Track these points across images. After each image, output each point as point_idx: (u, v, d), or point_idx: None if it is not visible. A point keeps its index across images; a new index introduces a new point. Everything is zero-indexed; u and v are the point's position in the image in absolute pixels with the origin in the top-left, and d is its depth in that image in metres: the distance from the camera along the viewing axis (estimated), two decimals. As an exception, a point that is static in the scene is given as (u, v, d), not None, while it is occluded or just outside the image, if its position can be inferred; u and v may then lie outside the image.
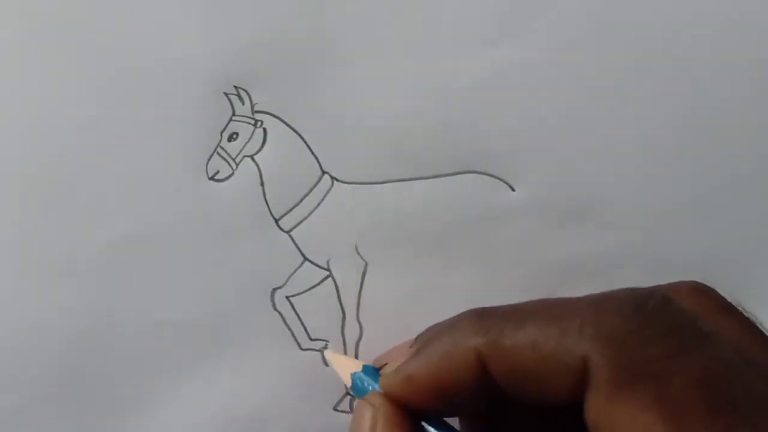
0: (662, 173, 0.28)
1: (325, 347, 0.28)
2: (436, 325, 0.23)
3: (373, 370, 0.24)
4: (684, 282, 0.22)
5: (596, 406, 0.18)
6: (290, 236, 0.28)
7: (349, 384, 0.25)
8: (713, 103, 0.28)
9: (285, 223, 0.28)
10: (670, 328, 0.19)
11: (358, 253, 0.28)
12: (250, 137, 0.29)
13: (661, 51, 0.27)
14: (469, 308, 0.26)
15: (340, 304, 0.28)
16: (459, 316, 0.22)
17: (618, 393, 0.18)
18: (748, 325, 0.20)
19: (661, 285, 0.21)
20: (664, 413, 0.17)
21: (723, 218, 0.28)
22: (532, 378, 0.19)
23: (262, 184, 0.29)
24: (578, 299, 0.20)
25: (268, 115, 0.29)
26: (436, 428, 0.22)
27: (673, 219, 0.28)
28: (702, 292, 0.21)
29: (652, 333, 0.18)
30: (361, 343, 0.28)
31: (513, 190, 0.28)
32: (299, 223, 0.28)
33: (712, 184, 0.28)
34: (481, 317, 0.21)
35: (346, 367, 0.25)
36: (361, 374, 0.24)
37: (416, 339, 0.24)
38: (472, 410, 0.21)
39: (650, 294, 0.19)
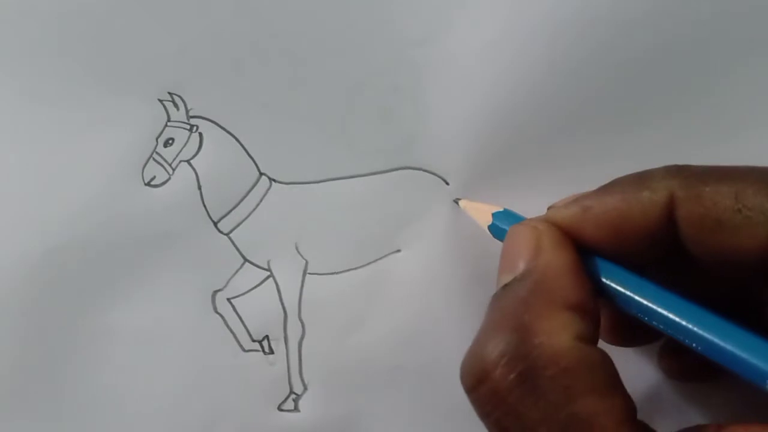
0: (588, 160, 0.28)
1: (270, 352, 0.28)
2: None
3: (516, 215, 0.22)
4: None
5: None
6: (230, 238, 0.28)
7: (486, 226, 0.22)
8: (624, 89, 0.28)
9: (224, 225, 0.29)
10: None
11: (298, 252, 0.29)
12: (186, 142, 0.29)
13: (579, 41, 0.28)
14: (412, 301, 0.27)
15: (282, 303, 0.28)
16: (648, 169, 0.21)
17: None
18: None
19: None
20: None
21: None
22: (727, 227, 0.19)
23: (199, 188, 0.29)
24: None
25: (203, 120, 0.29)
26: (609, 266, 0.20)
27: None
28: None
29: None
30: (305, 342, 0.28)
31: (447, 183, 0.28)
32: (238, 225, 0.29)
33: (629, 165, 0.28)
34: (676, 168, 0.20)
35: (481, 212, 0.23)
36: (505, 213, 0.22)
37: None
38: (640, 259, 0.20)
39: None
